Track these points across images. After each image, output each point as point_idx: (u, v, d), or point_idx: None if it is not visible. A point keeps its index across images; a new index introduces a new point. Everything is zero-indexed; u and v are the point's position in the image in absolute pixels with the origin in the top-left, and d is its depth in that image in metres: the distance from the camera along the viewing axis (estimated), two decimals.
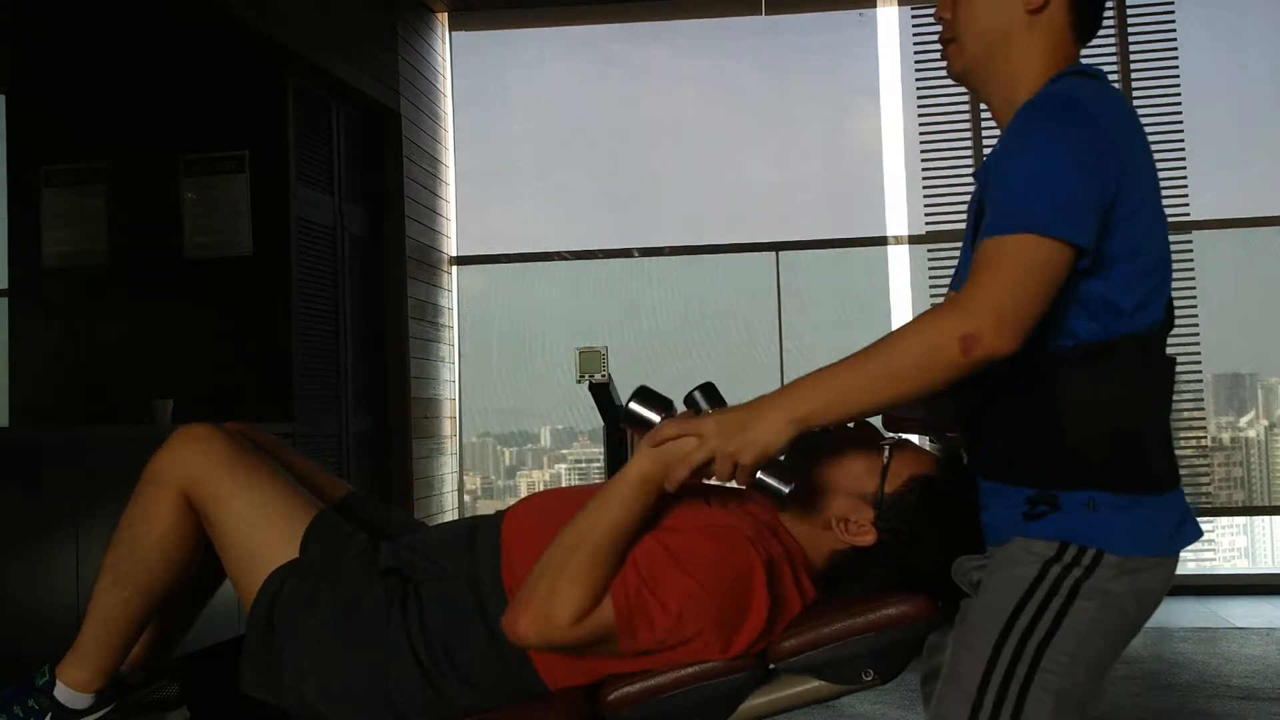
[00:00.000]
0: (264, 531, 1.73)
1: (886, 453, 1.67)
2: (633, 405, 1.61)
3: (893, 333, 1.43)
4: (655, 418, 1.58)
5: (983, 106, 6.44)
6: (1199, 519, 1.57)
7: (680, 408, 1.60)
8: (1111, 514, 1.45)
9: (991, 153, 1.54)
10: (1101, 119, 1.44)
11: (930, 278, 5.94)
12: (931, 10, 1.65)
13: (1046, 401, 1.47)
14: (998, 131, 1.61)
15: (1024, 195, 1.39)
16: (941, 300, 1.71)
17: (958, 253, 1.40)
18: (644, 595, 1.54)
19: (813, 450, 1.71)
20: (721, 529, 1.62)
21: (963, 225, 1.65)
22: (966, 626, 1.54)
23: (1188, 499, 1.56)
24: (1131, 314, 1.46)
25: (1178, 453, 1.57)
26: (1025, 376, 1.48)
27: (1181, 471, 1.58)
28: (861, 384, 1.41)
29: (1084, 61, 1.60)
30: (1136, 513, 1.46)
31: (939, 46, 1.67)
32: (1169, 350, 1.55)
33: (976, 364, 1.36)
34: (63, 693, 1.75)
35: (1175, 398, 1.59)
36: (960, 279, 1.70)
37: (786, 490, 1.52)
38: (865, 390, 1.41)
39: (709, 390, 1.61)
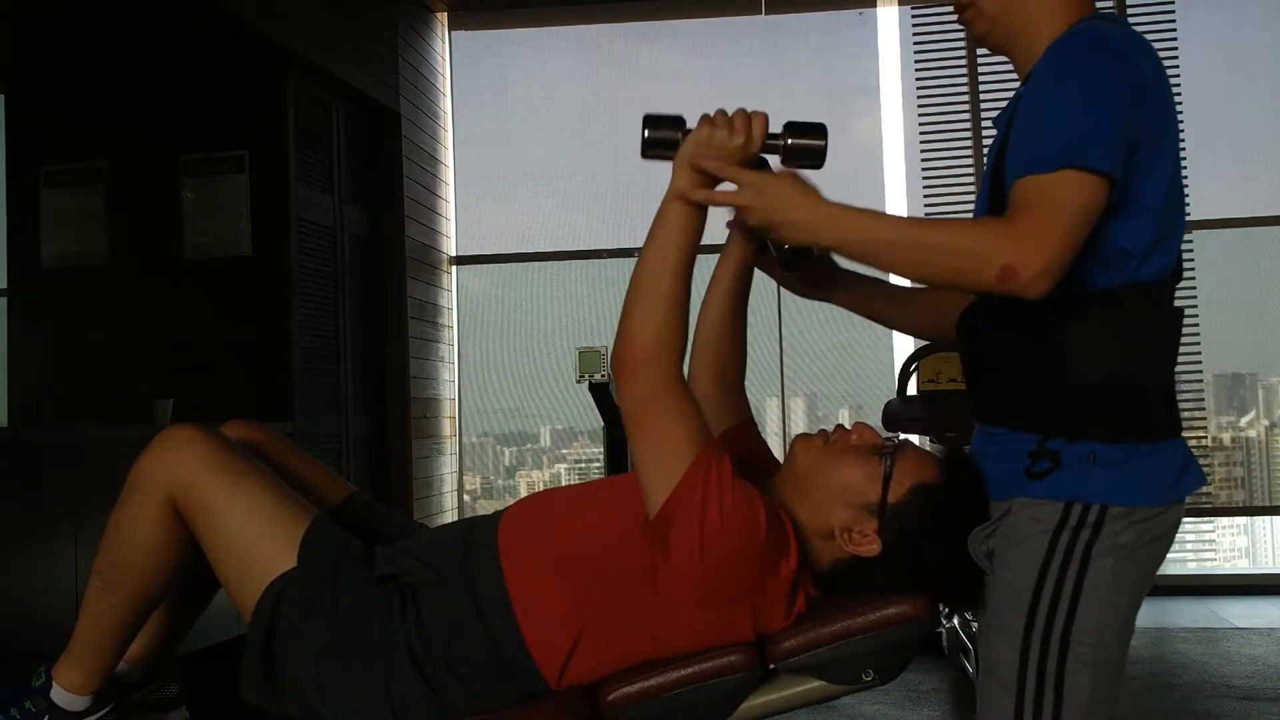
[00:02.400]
0: (258, 540, 1.69)
1: (888, 460, 1.66)
2: (651, 134, 1.63)
3: (944, 222, 1.47)
4: (678, 135, 1.62)
5: (982, 105, 6.40)
6: (1199, 519, 1.58)
7: (691, 125, 1.62)
8: (1113, 466, 1.46)
9: (1016, 96, 1.54)
10: (1131, 56, 1.45)
11: None
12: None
13: (1050, 348, 1.48)
14: (996, 132, 1.61)
15: (1061, 132, 1.40)
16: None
17: (1012, 213, 1.41)
18: (725, 464, 1.56)
19: (810, 457, 1.71)
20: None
21: None
22: (991, 613, 1.55)
23: (1188, 499, 1.57)
24: (1141, 261, 1.47)
25: (1174, 391, 1.58)
26: (1031, 322, 1.49)
27: None
28: (891, 241, 1.47)
29: None
30: (1137, 462, 1.47)
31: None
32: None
33: (1003, 292, 1.39)
34: (59, 695, 1.75)
35: (1175, 398, 1.59)
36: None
37: (823, 143, 1.60)
38: (897, 248, 1.47)
39: (655, 122, 1.65)
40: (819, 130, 1.61)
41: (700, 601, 1.59)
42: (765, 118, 1.59)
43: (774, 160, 1.64)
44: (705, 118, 1.60)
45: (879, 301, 1.86)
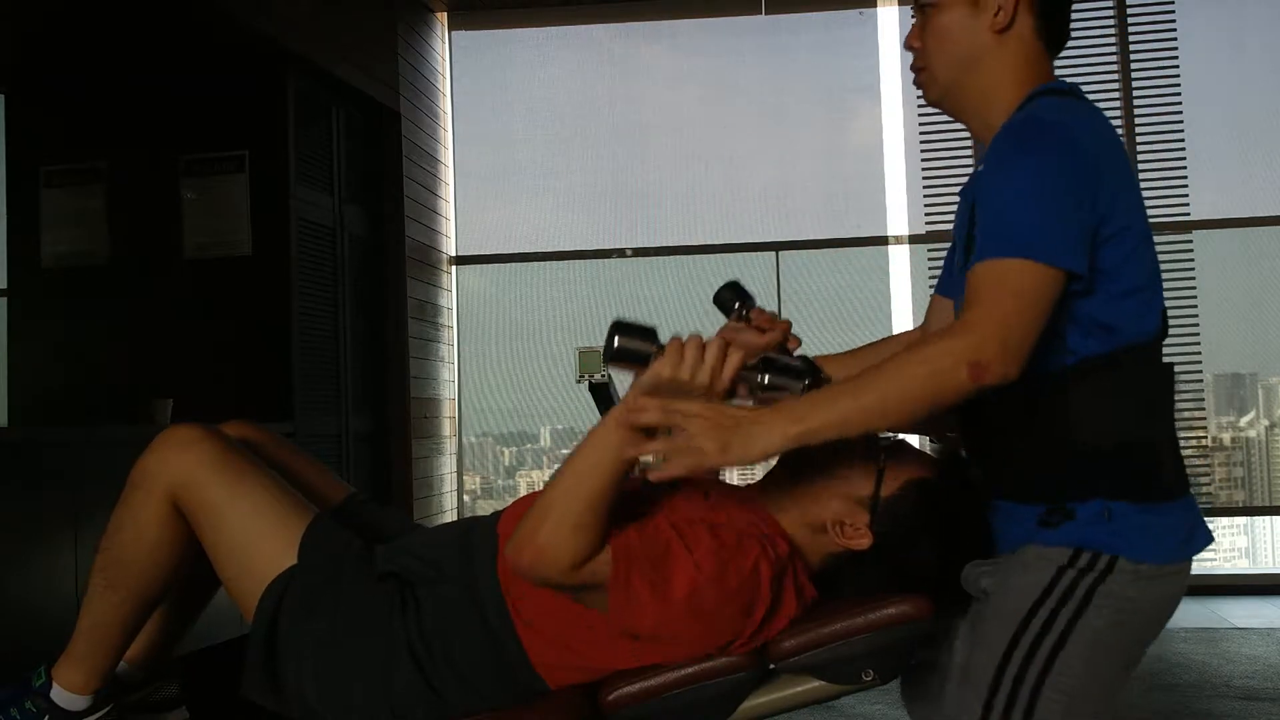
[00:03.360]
0: (258, 539, 1.70)
1: (882, 456, 1.66)
2: (620, 342, 1.49)
3: (898, 358, 1.42)
4: (648, 349, 1.49)
5: None
6: None
7: (664, 337, 1.52)
8: (1126, 522, 1.46)
9: (974, 174, 1.55)
10: (1081, 140, 1.44)
11: (930, 277, 5.94)
12: (911, 61, 1.66)
13: (1054, 419, 1.48)
14: (959, 203, 1.62)
15: (1014, 223, 1.40)
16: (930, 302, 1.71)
17: (962, 314, 1.41)
18: (643, 565, 1.54)
19: (809, 452, 1.71)
20: (725, 526, 1.62)
21: None
22: (981, 626, 1.54)
23: None
24: (1127, 330, 1.47)
25: (1180, 448, 1.58)
26: (1031, 397, 1.49)
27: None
28: (866, 407, 1.39)
29: (1084, 60, 1.61)
30: (1150, 519, 1.47)
31: None
32: (1170, 354, 1.56)
33: (984, 389, 1.37)
34: (59, 695, 1.75)
35: (1176, 398, 1.60)
36: (946, 285, 1.71)
37: (801, 386, 1.49)
38: (869, 414, 1.40)
39: (737, 289, 1.62)
40: (799, 371, 1.50)
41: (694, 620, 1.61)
42: (740, 359, 1.49)
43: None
44: (674, 342, 1.49)
45: None
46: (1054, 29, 1.58)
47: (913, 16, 1.65)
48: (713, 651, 1.61)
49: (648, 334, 1.51)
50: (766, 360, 1.51)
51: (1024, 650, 1.46)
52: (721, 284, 1.70)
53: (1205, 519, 1.57)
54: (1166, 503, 1.48)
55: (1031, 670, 1.46)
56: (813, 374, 1.50)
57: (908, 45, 1.65)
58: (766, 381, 1.49)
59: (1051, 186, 1.40)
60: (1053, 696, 1.45)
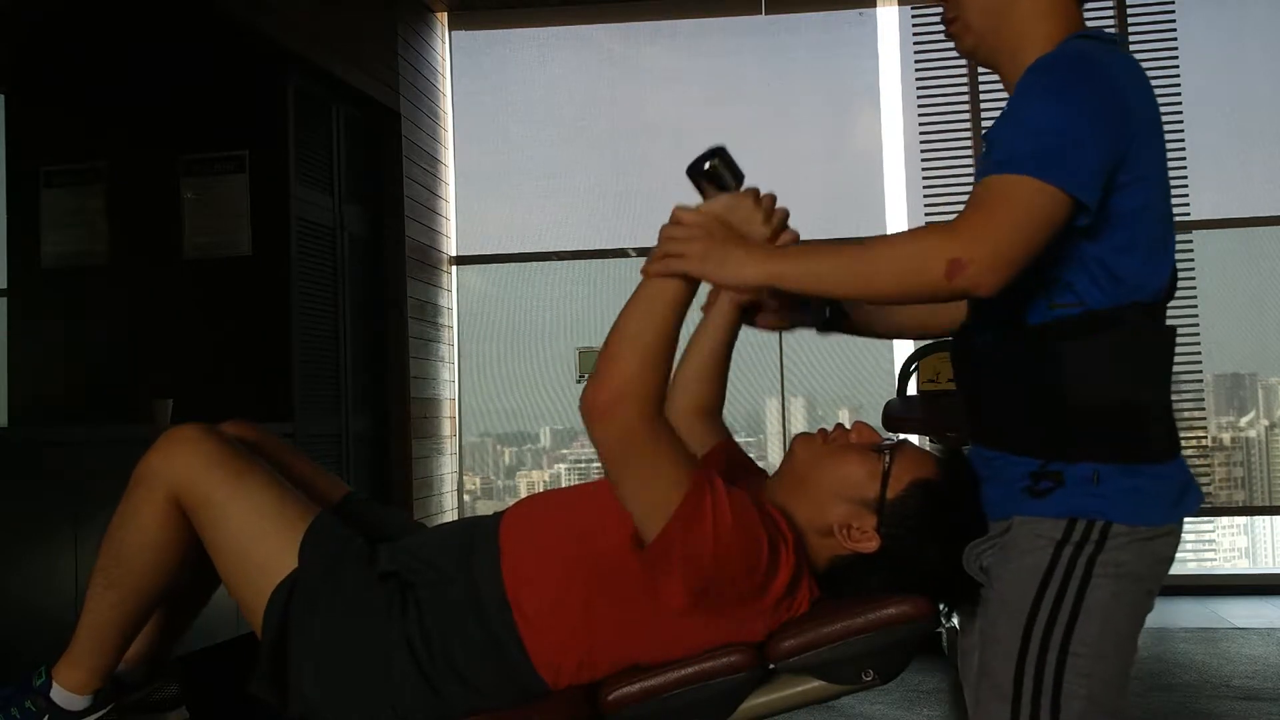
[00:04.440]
0: (260, 538, 1.70)
1: (887, 457, 1.66)
2: (715, 164, 1.60)
3: (887, 234, 1.44)
4: (733, 183, 1.59)
5: (983, 106, 6.40)
6: (1200, 519, 1.58)
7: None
8: (1115, 486, 1.46)
9: (1000, 113, 1.54)
10: (1115, 78, 1.43)
11: None
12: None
13: (1050, 371, 1.47)
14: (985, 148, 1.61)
15: (1031, 140, 1.38)
16: None
17: (959, 215, 1.40)
18: (721, 500, 1.53)
19: (810, 454, 1.71)
20: (747, 491, 1.62)
21: None
22: (989, 622, 1.54)
23: None
24: (1134, 282, 1.46)
25: (1172, 410, 1.58)
26: (1029, 345, 1.49)
27: None
28: (839, 268, 1.42)
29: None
30: (1139, 482, 1.47)
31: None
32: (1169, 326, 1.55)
33: (955, 291, 1.36)
34: (59, 694, 1.75)
35: (1175, 398, 1.60)
36: None
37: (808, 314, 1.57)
38: (840, 275, 1.42)
39: (725, 158, 1.62)
40: (740, 178, 1.61)
41: (697, 611, 1.60)
42: (795, 236, 1.60)
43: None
44: (754, 191, 1.58)
45: (859, 310, 1.84)
46: None
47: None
48: (753, 598, 1.59)
49: (739, 173, 1.60)
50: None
51: (1038, 641, 1.46)
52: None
53: (1206, 519, 1.57)
54: (1155, 464, 1.48)
55: (1049, 659, 1.46)
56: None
57: None
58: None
59: (1074, 113, 1.38)
60: (1075, 680, 1.46)
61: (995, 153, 1.41)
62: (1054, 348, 1.47)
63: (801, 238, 1.62)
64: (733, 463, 1.90)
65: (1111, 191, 1.42)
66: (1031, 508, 1.49)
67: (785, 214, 1.59)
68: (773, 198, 1.59)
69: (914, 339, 1.93)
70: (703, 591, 1.57)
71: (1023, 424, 1.51)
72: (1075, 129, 1.38)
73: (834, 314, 1.78)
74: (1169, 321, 1.54)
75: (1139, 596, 1.49)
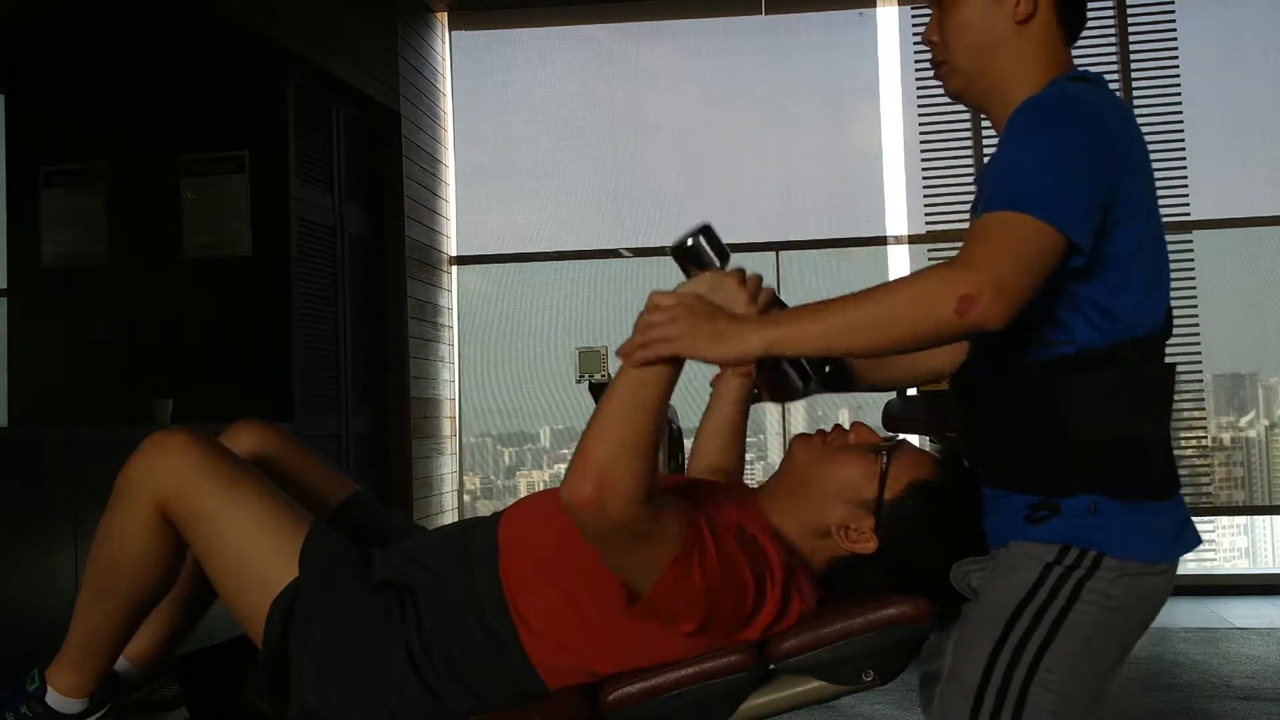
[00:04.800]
0: (255, 550, 1.66)
1: (885, 458, 1.66)
2: (699, 241, 1.54)
3: (889, 281, 1.41)
4: (717, 262, 1.54)
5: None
6: (1199, 519, 1.58)
7: (733, 263, 1.56)
8: (1112, 519, 1.45)
9: (993, 155, 1.54)
10: (1102, 119, 1.44)
11: None
12: (930, 9, 1.66)
13: (1047, 409, 1.47)
14: (976, 190, 1.61)
15: (1024, 180, 1.38)
16: None
17: (958, 253, 1.40)
18: (706, 532, 1.52)
19: (808, 455, 1.71)
20: (735, 527, 1.62)
21: (962, 225, 1.65)
22: (967, 628, 1.53)
23: (1188, 499, 1.57)
24: (1129, 321, 1.46)
25: (1178, 453, 1.58)
26: (1026, 384, 1.49)
27: (1182, 472, 1.58)
28: (848, 324, 1.36)
29: (1084, 59, 1.61)
30: (1137, 518, 1.46)
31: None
32: (1171, 354, 1.55)
33: (968, 327, 1.33)
34: (55, 699, 1.74)
35: (1176, 398, 1.59)
36: None
37: (802, 384, 1.53)
38: (850, 330, 1.36)
39: (710, 236, 1.56)
40: (806, 375, 1.57)
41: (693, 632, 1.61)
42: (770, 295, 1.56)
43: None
44: (739, 270, 1.53)
45: (863, 366, 1.84)
46: (1073, 19, 1.58)
47: (929, 11, 1.65)
48: (723, 639, 1.60)
49: (724, 253, 1.55)
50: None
51: (1010, 649, 1.46)
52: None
53: (1206, 519, 1.57)
54: (1154, 502, 1.48)
55: (1019, 669, 1.46)
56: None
57: (926, 40, 1.65)
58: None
59: (1066, 154, 1.39)
60: (1041, 695, 1.45)
61: (987, 193, 1.41)
62: (1051, 385, 1.47)
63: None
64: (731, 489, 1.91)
65: (1104, 232, 1.42)
66: (1027, 533, 1.49)
67: (771, 294, 1.56)
68: (758, 278, 1.54)
69: (909, 386, 1.93)
70: (691, 628, 1.58)
71: (1021, 460, 1.51)
72: (1065, 169, 1.38)
73: (834, 371, 1.76)
74: (1169, 359, 1.54)
75: (1123, 630, 1.49)
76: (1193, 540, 1.53)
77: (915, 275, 1.38)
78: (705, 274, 1.53)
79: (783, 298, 1.65)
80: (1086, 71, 1.56)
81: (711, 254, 1.55)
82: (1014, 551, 1.50)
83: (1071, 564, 1.45)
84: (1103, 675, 1.49)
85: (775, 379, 1.53)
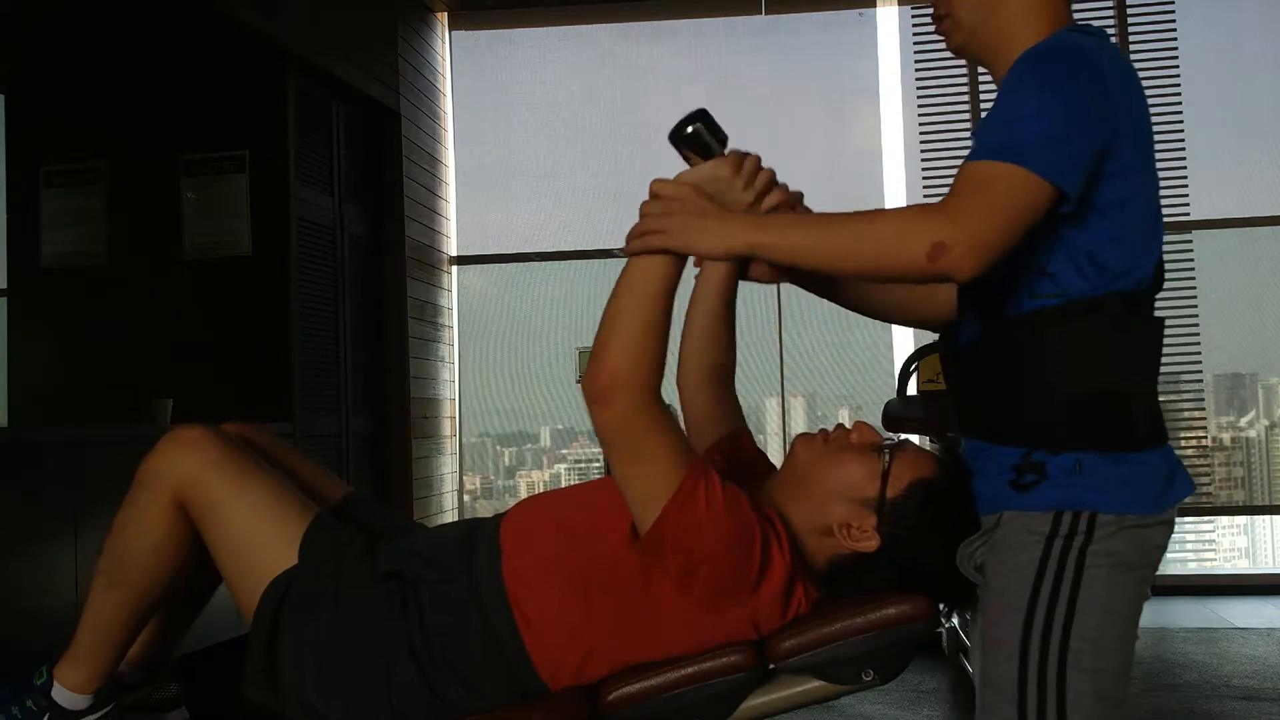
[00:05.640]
0: (261, 537, 1.71)
1: (887, 457, 1.66)
2: (696, 128, 1.57)
3: (875, 211, 1.45)
4: (716, 147, 1.57)
5: (983, 106, 6.40)
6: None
7: (731, 148, 1.59)
8: (1099, 475, 1.46)
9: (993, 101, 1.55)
10: (1103, 71, 1.44)
11: None
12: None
13: (1033, 359, 1.48)
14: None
15: (1016, 128, 1.39)
16: None
17: (945, 197, 1.41)
18: (714, 489, 1.53)
19: (810, 454, 1.71)
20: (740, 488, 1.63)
21: None
22: (989, 623, 1.53)
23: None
24: (1118, 272, 1.47)
25: (1178, 453, 1.57)
26: (1013, 333, 1.49)
27: None
28: (821, 241, 1.43)
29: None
30: (1123, 470, 1.47)
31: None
32: (1170, 354, 1.55)
33: (933, 273, 1.36)
34: (60, 694, 1.75)
35: (1175, 398, 1.59)
36: None
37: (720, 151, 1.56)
38: (821, 248, 1.43)
39: (707, 121, 1.59)
40: (724, 141, 1.59)
41: (694, 607, 1.60)
42: (782, 197, 1.60)
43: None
44: (736, 154, 1.58)
45: (841, 284, 1.83)
46: None
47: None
48: (744, 592, 1.59)
49: (722, 136, 1.58)
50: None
51: (1038, 641, 1.46)
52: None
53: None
54: (1138, 452, 1.48)
55: (1051, 660, 1.46)
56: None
57: None
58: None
59: (1060, 103, 1.39)
60: (1078, 678, 1.45)
61: (981, 139, 1.43)
62: (1035, 337, 1.48)
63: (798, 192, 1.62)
64: (743, 456, 1.89)
65: (1099, 181, 1.42)
66: (1018, 502, 1.49)
67: (769, 176, 1.59)
68: (756, 160, 1.58)
69: (888, 320, 1.92)
70: (693, 578, 1.56)
71: (1005, 413, 1.52)
72: (1061, 118, 1.39)
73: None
74: (1165, 316, 1.55)
75: (1134, 584, 1.49)
76: (1184, 487, 1.53)
77: (901, 210, 1.43)
78: (702, 164, 1.56)
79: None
80: (1089, 25, 1.57)
81: (709, 139, 1.58)
82: (1010, 526, 1.50)
83: (1068, 532, 1.46)
84: (1127, 638, 1.49)
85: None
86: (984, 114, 1.65)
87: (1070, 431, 1.47)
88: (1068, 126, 1.39)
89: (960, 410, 1.61)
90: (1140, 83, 1.52)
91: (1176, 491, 1.51)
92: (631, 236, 1.50)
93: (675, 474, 1.51)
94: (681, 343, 1.89)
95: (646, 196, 1.55)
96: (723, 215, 1.49)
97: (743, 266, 1.74)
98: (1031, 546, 1.48)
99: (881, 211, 1.44)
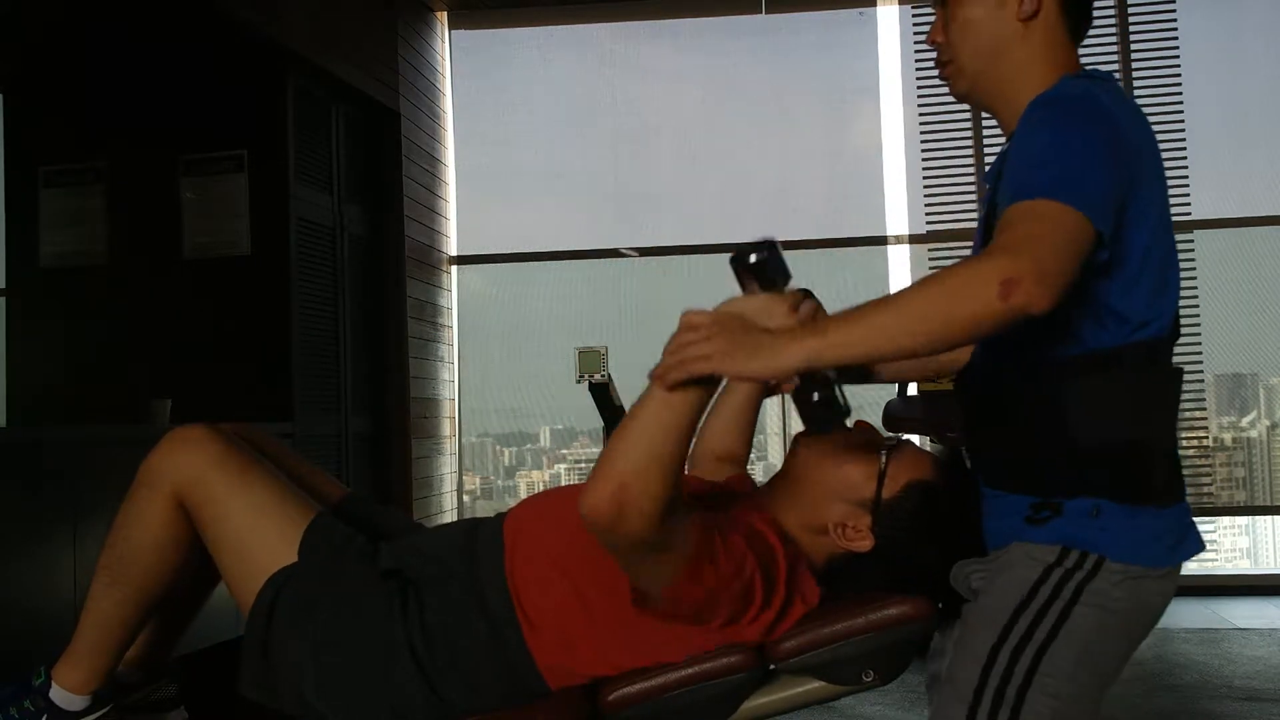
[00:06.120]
0: (260, 535, 1.71)
1: (884, 457, 1.66)
2: (763, 256, 1.46)
3: (928, 277, 1.34)
4: (777, 281, 1.47)
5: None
6: (1200, 519, 1.57)
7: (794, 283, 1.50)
8: (1114, 522, 1.45)
9: (1001, 153, 1.53)
10: (1116, 116, 1.43)
11: None
12: (931, 10, 1.65)
13: (1052, 410, 1.46)
14: (998, 132, 1.60)
15: (1050, 169, 1.35)
16: None
17: (958, 253, 1.39)
18: (717, 538, 1.53)
19: (810, 453, 1.71)
20: (745, 525, 1.63)
21: (962, 225, 1.64)
22: (966, 630, 1.53)
23: (1189, 499, 1.56)
24: (1137, 322, 1.45)
25: (1178, 453, 1.57)
26: (1031, 384, 1.48)
27: (1183, 472, 1.57)
28: (892, 323, 1.30)
29: (1085, 59, 1.60)
30: (1139, 522, 1.45)
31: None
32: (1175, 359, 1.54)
33: (1012, 313, 1.26)
34: (58, 694, 1.75)
35: (1179, 460, 1.58)
36: None
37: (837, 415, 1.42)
38: (894, 329, 1.30)
39: (775, 253, 1.48)
40: (842, 412, 1.46)
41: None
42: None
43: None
44: (795, 295, 1.47)
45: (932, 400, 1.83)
46: (1078, 17, 1.57)
47: (931, 10, 1.65)
48: (725, 634, 1.61)
49: (787, 274, 1.49)
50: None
51: (1009, 652, 1.45)
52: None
53: (1207, 519, 1.56)
54: (1155, 506, 1.46)
55: (1016, 673, 1.44)
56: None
57: (930, 41, 1.65)
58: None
59: (1086, 144, 1.37)
60: (1039, 699, 1.43)
61: (1008, 188, 1.38)
62: (1057, 386, 1.46)
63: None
64: (738, 484, 1.92)
65: (1117, 230, 1.40)
66: (1029, 534, 1.48)
67: (813, 310, 1.50)
68: (813, 306, 1.50)
69: (909, 381, 1.92)
70: (694, 623, 1.59)
71: (1024, 461, 1.50)
72: (1086, 158, 1.36)
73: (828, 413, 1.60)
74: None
75: (1121, 637, 1.48)
76: (1194, 546, 1.52)
77: (950, 268, 1.33)
78: (760, 294, 1.47)
79: None
80: (1096, 70, 1.56)
81: (775, 275, 1.48)
82: (1014, 552, 1.50)
83: (1072, 566, 1.45)
84: (1101, 682, 1.48)
85: (813, 413, 1.42)
86: (984, 116, 1.64)
87: (1088, 479, 1.45)
88: (1093, 168, 1.36)
89: (975, 457, 1.60)
90: (1150, 128, 1.50)
91: (1187, 549, 1.50)
92: (665, 368, 1.37)
93: (681, 561, 1.49)
94: (701, 427, 1.86)
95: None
96: (769, 332, 1.36)
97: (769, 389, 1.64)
98: (1029, 569, 1.46)
99: (930, 277, 1.34)
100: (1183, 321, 1.57)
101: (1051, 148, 1.37)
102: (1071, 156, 1.36)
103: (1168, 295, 1.49)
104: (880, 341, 1.31)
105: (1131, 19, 5.97)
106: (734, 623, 1.60)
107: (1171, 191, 1.55)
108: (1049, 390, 1.46)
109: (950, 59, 1.60)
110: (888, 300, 1.32)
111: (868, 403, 6.39)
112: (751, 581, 1.57)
